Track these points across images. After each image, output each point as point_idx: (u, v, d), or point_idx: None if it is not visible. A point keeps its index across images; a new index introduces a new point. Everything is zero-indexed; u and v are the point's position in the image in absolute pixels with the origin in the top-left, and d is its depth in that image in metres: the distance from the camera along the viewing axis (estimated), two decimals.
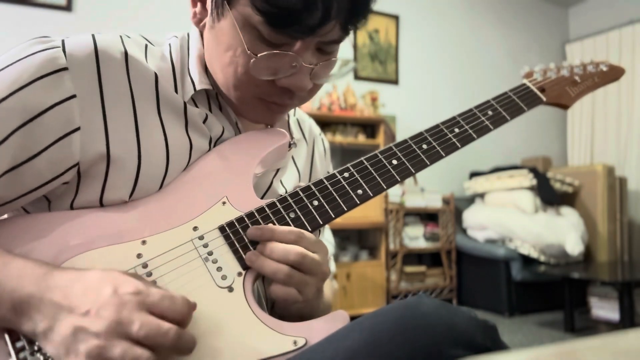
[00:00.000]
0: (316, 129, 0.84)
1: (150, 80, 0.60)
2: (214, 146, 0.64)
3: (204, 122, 0.64)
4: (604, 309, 3.09)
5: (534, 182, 3.59)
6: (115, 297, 0.46)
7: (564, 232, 3.38)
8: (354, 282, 3.19)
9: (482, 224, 3.61)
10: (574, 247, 3.31)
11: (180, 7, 3.10)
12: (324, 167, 0.83)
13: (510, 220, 3.46)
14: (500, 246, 3.49)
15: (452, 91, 4.31)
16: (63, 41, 0.56)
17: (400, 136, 3.97)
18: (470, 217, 3.73)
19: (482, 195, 3.91)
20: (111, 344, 0.44)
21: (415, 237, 3.64)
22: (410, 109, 4.08)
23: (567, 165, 4.80)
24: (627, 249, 3.93)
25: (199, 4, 0.63)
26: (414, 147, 0.68)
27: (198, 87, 0.63)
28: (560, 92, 0.81)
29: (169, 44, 0.66)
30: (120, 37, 0.61)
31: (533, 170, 3.67)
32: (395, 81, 4.07)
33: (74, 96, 0.54)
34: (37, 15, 2.89)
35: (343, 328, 0.52)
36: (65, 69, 0.54)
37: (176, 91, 0.62)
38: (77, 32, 0.59)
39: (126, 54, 0.59)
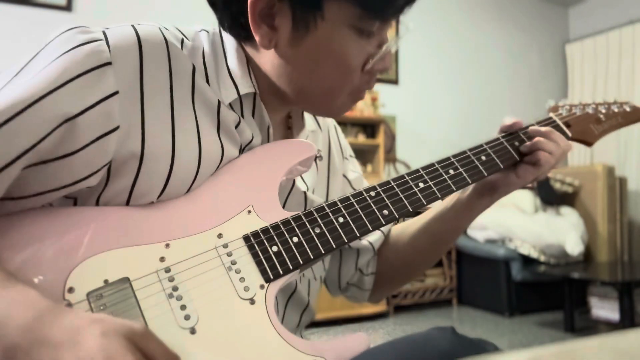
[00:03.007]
0: (330, 120, 0.83)
1: (188, 71, 0.59)
2: (242, 153, 0.63)
3: (236, 127, 0.62)
4: (604, 309, 3.09)
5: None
6: (104, 340, 0.41)
7: (564, 232, 3.38)
8: None
9: (482, 224, 3.61)
10: (574, 247, 3.31)
11: (181, 7, 3.10)
12: (340, 155, 0.82)
13: (510, 220, 3.46)
14: (500, 246, 3.49)
15: (452, 91, 4.31)
16: (105, 33, 0.55)
17: (400, 136, 3.98)
18: None
19: None
20: None
21: None
22: (410, 109, 4.08)
23: (567, 165, 4.80)
24: (627, 249, 3.93)
25: (263, 26, 0.57)
26: (441, 171, 0.68)
27: (242, 92, 0.61)
28: (585, 129, 0.81)
29: (201, 39, 0.64)
30: (159, 28, 0.59)
31: None
32: (395, 81, 4.07)
33: (116, 93, 0.53)
34: (37, 15, 2.89)
35: (363, 355, 0.52)
36: (109, 63, 0.53)
37: (215, 91, 0.61)
38: None
39: (167, 42, 0.58)
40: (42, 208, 0.55)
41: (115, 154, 0.54)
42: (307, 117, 0.74)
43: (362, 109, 3.60)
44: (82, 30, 0.54)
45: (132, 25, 0.57)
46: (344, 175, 0.81)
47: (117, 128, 0.53)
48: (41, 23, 2.87)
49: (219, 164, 0.61)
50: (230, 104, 0.62)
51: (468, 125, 4.25)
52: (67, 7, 2.96)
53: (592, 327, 3.14)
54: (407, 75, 4.13)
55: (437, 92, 4.25)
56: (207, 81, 0.61)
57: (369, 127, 3.72)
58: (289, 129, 0.73)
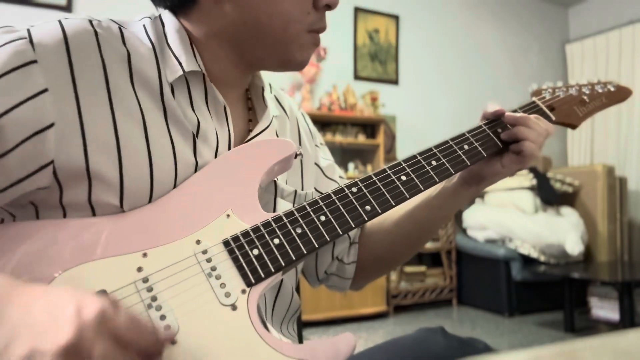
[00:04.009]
0: (296, 107, 0.82)
1: (123, 57, 0.57)
2: (197, 137, 0.61)
3: (182, 110, 0.60)
4: (604, 309, 3.10)
5: (534, 182, 3.59)
6: (76, 318, 0.41)
7: (564, 232, 3.38)
8: None
9: (482, 224, 3.61)
10: (574, 247, 3.31)
11: None
12: (311, 142, 0.81)
13: (510, 220, 3.46)
14: (500, 246, 3.49)
15: (452, 91, 4.31)
16: (29, 30, 0.53)
17: (400, 136, 3.98)
18: (470, 217, 3.73)
19: (482, 195, 3.91)
20: None
21: None
22: (410, 109, 4.08)
23: (567, 165, 4.80)
24: (627, 249, 3.93)
25: None
26: (423, 162, 0.67)
27: (187, 69, 0.59)
28: (569, 112, 0.79)
29: (143, 25, 0.63)
30: (90, 20, 0.58)
31: (533, 170, 3.67)
32: (395, 81, 4.07)
33: (45, 90, 0.51)
34: (37, 15, 2.89)
35: (352, 358, 0.51)
36: (34, 61, 0.51)
37: (159, 71, 0.59)
38: None
39: (96, 34, 0.56)
40: (9, 224, 0.54)
41: (57, 155, 0.52)
42: (271, 102, 0.72)
43: (362, 109, 3.61)
44: (5, 30, 0.53)
45: (59, 20, 0.55)
46: (316, 163, 0.79)
47: (52, 125, 0.51)
48: None
49: (173, 153, 0.58)
50: (175, 84, 0.60)
51: (468, 125, 4.20)
52: (67, 7, 2.97)
53: (592, 327, 3.14)
54: (407, 75, 4.13)
55: (437, 92, 4.25)
56: (158, 66, 0.59)
57: (369, 127, 3.72)
58: (250, 109, 0.71)
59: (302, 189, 0.74)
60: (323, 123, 3.54)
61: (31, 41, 0.52)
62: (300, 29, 0.62)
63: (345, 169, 3.57)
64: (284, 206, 0.67)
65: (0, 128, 0.49)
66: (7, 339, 0.41)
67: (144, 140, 0.56)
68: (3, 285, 0.44)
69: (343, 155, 3.66)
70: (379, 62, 4.01)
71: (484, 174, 0.73)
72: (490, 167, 0.72)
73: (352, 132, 3.59)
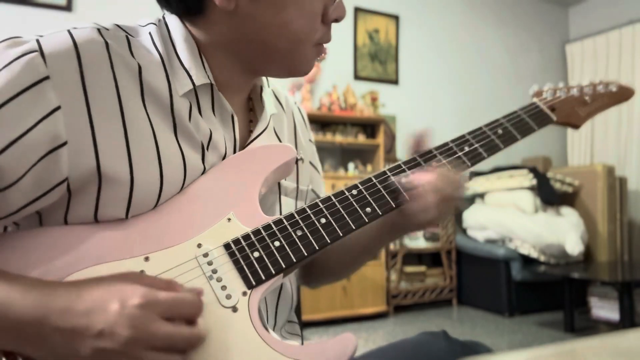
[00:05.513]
0: (292, 99, 0.82)
1: (134, 70, 0.56)
2: (207, 149, 0.61)
3: (190, 119, 0.60)
4: (604, 309, 3.09)
5: (534, 182, 3.59)
6: (124, 311, 0.44)
7: (564, 232, 3.38)
8: (354, 282, 3.18)
9: (482, 224, 3.61)
10: (574, 247, 3.31)
11: None
12: (306, 136, 0.81)
13: (510, 220, 3.46)
14: (500, 246, 3.49)
15: (452, 91, 4.31)
16: (39, 42, 0.51)
17: (400, 136, 3.98)
18: (470, 217, 3.73)
19: (482, 195, 3.91)
20: (139, 358, 0.44)
21: (415, 237, 3.64)
22: (410, 109, 4.08)
23: (567, 165, 4.80)
24: (627, 249, 3.93)
25: None
26: (423, 165, 0.67)
27: (197, 83, 0.59)
28: (570, 112, 0.80)
29: (149, 33, 0.61)
30: (98, 30, 0.56)
31: (533, 170, 3.67)
32: (395, 81, 4.07)
33: (58, 108, 0.50)
34: (37, 15, 2.89)
35: None
36: (46, 78, 0.50)
37: (169, 84, 0.58)
38: None
39: (107, 45, 0.55)
40: (12, 231, 0.54)
41: (71, 172, 0.51)
42: (269, 99, 0.72)
43: (362, 109, 3.60)
44: (14, 42, 0.51)
45: (68, 31, 0.54)
46: (311, 162, 0.80)
47: (65, 143, 0.50)
48: (41, 23, 2.87)
49: (184, 170, 0.58)
50: (185, 97, 0.60)
51: (468, 125, 4.21)
52: (67, 7, 2.96)
53: (592, 327, 3.13)
54: (407, 75, 4.13)
55: (437, 92, 4.24)
56: (167, 77, 0.58)
57: (369, 127, 3.72)
58: (251, 110, 0.71)
59: (298, 186, 0.74)
60: (323, 123, 3.54)
61: (42, 54, 0.50)
62: (307, 46, 0.62)
63: (345, 169, 3.57)
64: (288, 204, 0.68)
65: (16, 151, 0.48)
66: (64, 347, 0.43)
67: (155, 150, 0.56)
68: (34, 296, 0.45)
69: (343, 155, 3.66)
70: (379, 62, 4.01)
71: (402, 225, 0.70)
72: (404, 220, 0.68)
73: (352, 132, 3.59)
